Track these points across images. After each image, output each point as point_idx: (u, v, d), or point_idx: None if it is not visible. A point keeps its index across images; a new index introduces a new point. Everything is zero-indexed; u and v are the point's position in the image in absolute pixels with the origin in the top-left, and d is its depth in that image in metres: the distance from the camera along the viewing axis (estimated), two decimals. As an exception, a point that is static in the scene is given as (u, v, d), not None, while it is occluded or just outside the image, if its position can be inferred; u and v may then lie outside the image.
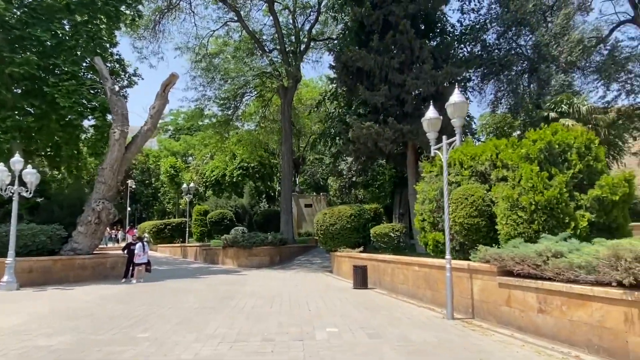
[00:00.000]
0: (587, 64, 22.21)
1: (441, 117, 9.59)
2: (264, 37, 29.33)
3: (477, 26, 22.30)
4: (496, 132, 28.41)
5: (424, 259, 11.07)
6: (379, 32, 18.17)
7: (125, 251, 17.14)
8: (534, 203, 8.14)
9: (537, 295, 6.83)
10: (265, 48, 28.59)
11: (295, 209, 33.67)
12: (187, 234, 34.10)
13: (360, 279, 13.38)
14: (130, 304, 10.38)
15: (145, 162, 56.28)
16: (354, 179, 33.62)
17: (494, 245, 8.74)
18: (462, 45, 22.38)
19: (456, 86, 9.18)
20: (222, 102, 28.21)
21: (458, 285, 8.91)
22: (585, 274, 5.93)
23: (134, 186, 49.75)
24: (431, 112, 9.48)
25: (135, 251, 15.89)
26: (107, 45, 21.70)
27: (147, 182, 56.55)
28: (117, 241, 41.92)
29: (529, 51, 22.58)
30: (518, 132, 23.42)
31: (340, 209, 18.29)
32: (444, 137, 9.07)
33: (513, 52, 22.46)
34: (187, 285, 14.75)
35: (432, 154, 9.72)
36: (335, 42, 24.42)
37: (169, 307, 9.97)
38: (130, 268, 16.25)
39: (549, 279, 6.60)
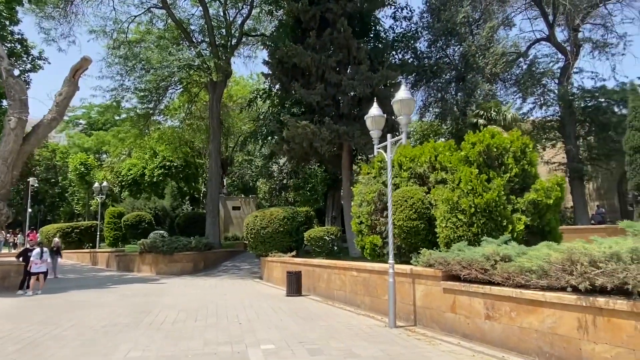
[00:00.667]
0: (509, 76, 23.74)
1: (385, 115, 9.21)
2: (192, 28, 27.46)
3: (409, 34, 22.74)
4: (423, 138, 29.41)
5: (363, 263, 10.60)
6: (316, 30, 17.67)
7: (21, 258, 14.85)
8: (473, 206, 8.00)
9: (484, 301, 6.57)
10: (193, 39, 26.79)
11: (222, 212, 32.05)
12: (98, 239, 30.87)
13: (294, 285, 12.60)
14: (21, 323, 8.64)
15: (51, 159, 50.56)
16: (285, 181, 32.88)
17: (433, 248, 8.48)
18: (394, 52, 22.65)
19: (403, 83, 8.85)
20: (142, 93, 25.81)
21: (399, 290, 8.50)
22: (537, 278, 5.71)
23: (36, 185, 44.25)
24: (375, 110, 9.05)
25: (32, 258, 13.68)
26: (7, 22, 19.06)
27: (52, 180, 50.77)
28: (15, 246, 37.12)
29: (457, 61, 23.53)
30: (443, 139, 24.33)
31: (273, 211, 17.41)
32: (388, 135, 8.65)
33: (442, 61, 23.24)
34: (95, 297, 12.93)
35: (375, 153, 9.29)
36: (269, 38, 23.49)
37: (70, 325, 8.41)
38: (27, 278, 14.04)
39: (498, 284, 6.36)
